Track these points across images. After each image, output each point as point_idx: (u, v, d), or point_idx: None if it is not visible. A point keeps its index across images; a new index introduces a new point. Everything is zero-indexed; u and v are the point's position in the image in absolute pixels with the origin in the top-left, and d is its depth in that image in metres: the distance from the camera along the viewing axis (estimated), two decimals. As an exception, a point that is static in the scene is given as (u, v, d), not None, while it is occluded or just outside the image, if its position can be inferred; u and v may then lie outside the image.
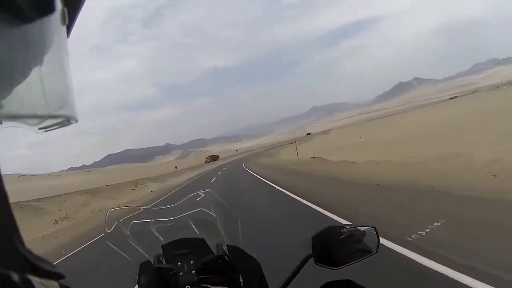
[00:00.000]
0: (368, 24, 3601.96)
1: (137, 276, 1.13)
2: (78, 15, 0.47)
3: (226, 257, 1.16)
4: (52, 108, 0.39)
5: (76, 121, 0.44)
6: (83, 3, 0.47)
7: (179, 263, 1.14)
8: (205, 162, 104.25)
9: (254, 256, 1.19)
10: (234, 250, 1.19)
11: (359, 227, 1.25)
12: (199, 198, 1.35)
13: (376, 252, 1.18)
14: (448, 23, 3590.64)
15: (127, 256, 1.20)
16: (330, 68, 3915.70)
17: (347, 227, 1.25)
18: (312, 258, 1.18)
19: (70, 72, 0.42)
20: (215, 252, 1.18)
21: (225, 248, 1.19)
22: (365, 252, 1.19)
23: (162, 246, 1.21)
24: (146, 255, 1.20)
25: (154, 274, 1.13)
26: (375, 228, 1.22)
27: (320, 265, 1.16)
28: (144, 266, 1.15)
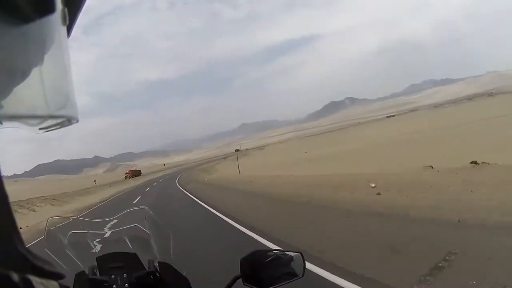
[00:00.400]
0: (304, 42, 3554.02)
1: (71, 286, 1.15)
2: (78, 15, 0.47)
3: (157, 273, 1.22)
4: (52, 108, 0.39)
5: (77, 121, 0.44)
6: (84, 3, 0.47)
7: (112, 276, 1.18)
8: (125, 178, 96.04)
9: (184, 274, 1.26)
10: (165, 267, 1.25)
11: (287, 252, 1.36)
12: (135, 214, 1.44)
13: (302, 276, 1.30)
14: (384, 44, 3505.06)
15: (63, 265, 1.24)
16: (263, 85, 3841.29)
17: (274, 251, 1.35)
18: (241, 278, 1.28)
19: (71, 71, 0.43)
20: (147, 267, 1.24)
21: (156, 264, 1.26)
22: (291, 275, 1.30)
23: (97, 258, 1.25)
24: (81, 266, 1.25)
25: (88, 285, 1.16)
26: (301, 254, 1.34)
27: (248, 286, 1.27)
28: (79, 276, 1.18)
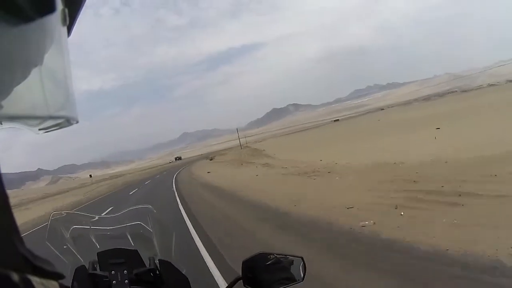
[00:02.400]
0: (247, 50, 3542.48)
1: (71, 280, 1.17)
2: (79, 15, 0.47)
3: (157, 270, 1.25)
4: (52, 109, 0.39)
5: (77, 121, 0.44)
6: (84, 3, 0.46)
7: (113, 271, 1.20)
8: None
9: (184, 273, 1.30)
10: (166, 264, 1.28)
11: (288, 256, 1.37)
12: (138, 212, 1.48)
13: (302, 281, 1.31)
14: (329, 50, 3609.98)
15: (64, 259, 1.26)
16: (205, 94, 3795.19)
17: (276, 254, 1.35)
18: (242, 280, 1.32)
19: (71, 72, 0.43)
20: (147, 265, 1.28)
21: (157, 262, 1.29)
22: (291, 280, 1.31)
23: (98, 254, 1.27)
24: (82, 260, 1.27)
25: (88, 280, 1.18)
26: (302, 258, 1.36)
27: None
28: (79, 271, 1.20)
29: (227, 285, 1.36)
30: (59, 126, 0.42)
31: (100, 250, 1.26)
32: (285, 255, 1.35)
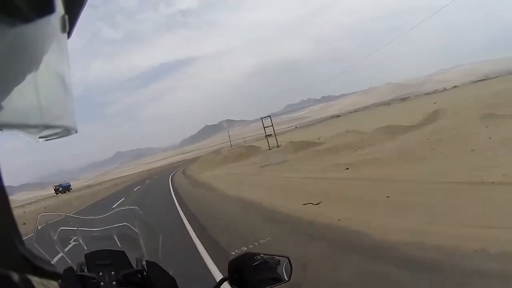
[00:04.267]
0: (179, 66, 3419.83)
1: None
2: (79, 16, 0.45)
3: (144, 272, 1.24)
4: (49, 118, 0.38)
5: (76, 131, 0.43)
6: (85, 3, 0.45)
7: (100, 273, 1.20)
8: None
9: (171, 274, 1.29)
10: (153, 266, 1.27)
11: (274, 256, 1.38)
12: (125, 214, 1.48)
13: (288, 280, 1.33)
14: (263, 66, 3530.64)
15: (51, 261, 1.20)
16: (137, 111, 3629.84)
17: (262, 254, 1.37)
18: (228, 281, 1.32)
19: (70, 79, 0.42)
20: (135, 266, 1.27)
21: (144, 263, 1.28)
22: (277, 280, 1.32)
23: (85, 255, 1.26)
24: (70, 262, 1.27)
25: (76, 281, 1.17)
26: (288, 258, 1.37)
27: None
28: (67, 272, 1.19)
29: (213, 286, 1.35)
30: (58, 135, 0.42)
31: (87, 252, 1.26)
32: (272, 255, 1.38)
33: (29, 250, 0.36)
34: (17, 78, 0.36)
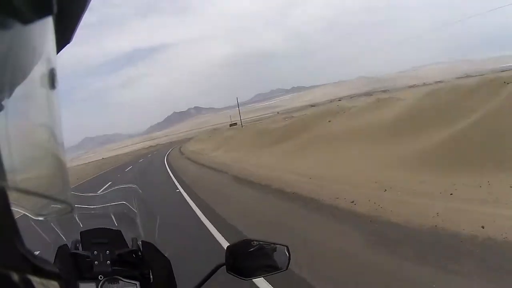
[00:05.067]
0: (151, 52, 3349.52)
1: (53, 259, 1.16)
2: (81, 18, 0.44)
3: (140, 252, 1.22)
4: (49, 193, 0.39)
5: (72, 209, 0.43)
6: (88, 4, 0.44)
7: (95, 251, 1.17)
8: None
9: (166, 255, 1.28)
10: (148, 246, 1.25)
11: (273, 244, 1.36)
12: (123, 192, 1.47)
13: (286, 269, 1.32)
14: (233, 54, 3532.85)
15: (47, 237, 1.23)
16: (106, 97, 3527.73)
17: (261, 242, 1.35)
18: (225, 266, 1.32)
19: (61, 125, 0.41)
20: (130, 245, 1.24)
21: (139, 243, 1.25)
22: (274, 268, 1.32)
23: (81, 233, 1.24)
24: (65, 239, 1.24)
25: (70, 259, 1.16)
26: (287, 247, 1.35)
27: (231, 274, 1.31)
28: (61, 250, 1.18)
29: (209, 271, 1.33)
30: (56, 213, 0.42)
31: (83, 229, 1.24)
32: (270, 243, 1.35)
33: (29, 250, 0.37)
34: (19, 77, 0.36)
